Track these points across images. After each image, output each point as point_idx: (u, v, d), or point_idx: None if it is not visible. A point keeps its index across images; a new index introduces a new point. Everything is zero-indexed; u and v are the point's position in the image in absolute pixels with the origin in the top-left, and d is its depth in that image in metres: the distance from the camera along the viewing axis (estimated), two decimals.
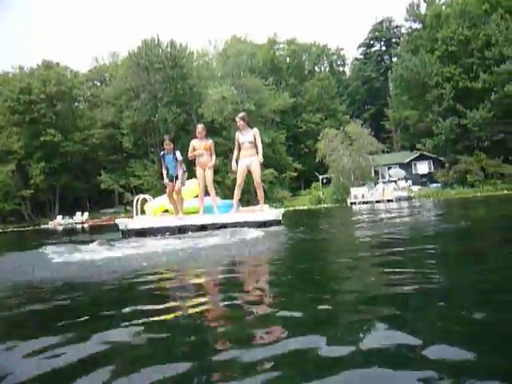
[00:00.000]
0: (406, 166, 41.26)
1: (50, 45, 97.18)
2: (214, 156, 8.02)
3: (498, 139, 35.03)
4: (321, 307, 2.05)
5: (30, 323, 2.29)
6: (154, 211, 8.90)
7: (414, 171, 41.38)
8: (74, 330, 1.96)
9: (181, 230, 7.38)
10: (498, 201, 16.21)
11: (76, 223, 38.67)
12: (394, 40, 62.12)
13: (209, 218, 7.64)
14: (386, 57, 64.17)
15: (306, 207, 34.87)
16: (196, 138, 8.04)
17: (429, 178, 39.46)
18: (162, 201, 8.81)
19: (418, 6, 43.84)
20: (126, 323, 1.97)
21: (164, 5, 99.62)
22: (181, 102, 47.22)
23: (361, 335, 1.56)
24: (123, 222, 8.05)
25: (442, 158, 38.90)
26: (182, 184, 7.82)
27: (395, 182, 35.86)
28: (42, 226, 38.79)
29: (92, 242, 5.95)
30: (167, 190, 7.85)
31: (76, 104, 55.63)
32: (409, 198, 29.80)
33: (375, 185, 35.19)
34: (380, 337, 1.51)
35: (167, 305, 2.40)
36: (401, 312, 1.87)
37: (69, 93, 50.91)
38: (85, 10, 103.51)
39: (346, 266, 3.29)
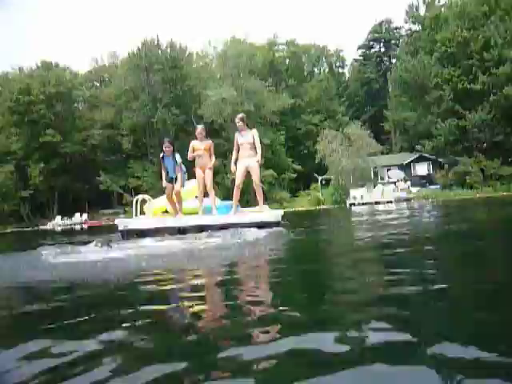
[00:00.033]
0: (405, 168, 41.26)
1: (50, 45, 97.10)
2: (213, 157, 8.03)
3: (497, 141, 35.06)
4: (321, 307, 2.05)
5: (26, 324, 2.28)
6: (153, 212, 8.90)
7: (413, 172, 41.38)
8: (71, 330, 1.96)
9: (180, 231, 7.38)
10: (497, 202, 16.22)
11: (75, 224, 38.63)
12: (393, 41, 62.19)
13: (208, 219, 7.63)
14: (385, 58, 64.22)
15: (305, 208, 34.87)
16: (196, 138, 8.05)
17: (428, 180, 39.47)
18: (162, 201, 8.80)
19: (418, 7, 43.98)
20: (125, 323, 1.97)
21: (163, 6, 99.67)
22: (180, 103, 47.23)
23: (361, 335, 1.56)
24: (123, 223, 8.04)
25: (441, 160, 38.92)
26: (182, 185, 7.84)
27: (394, 183, 35.87)
28: (41, 227, 38.74)
29: (90, 242, 5.93)
30: (166, 192, 7.88)
31: (75, 105, 55.56)
32: (408, 200, 29.82)
33: (374, 186, 35.21)
34: (380, 336, 1.52)
35: (167, 306, 2.40)
36: (401, 312, 1.88)
37: (68, 93, 50.89)
38: (84, 11, 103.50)
39: (346, 267, 3.29)
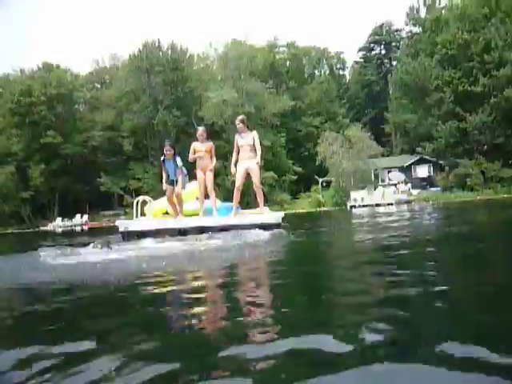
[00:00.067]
0: (406, 170, 41.25)
1: (50, 46, 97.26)
2: (214, 159, 8.05)
3: (497, 143, 35.05)
4: (321, 308, 2.05)
5: (26, 324, 2.28)
6: (154, 213, 8.91)
7: (413, 175, 41.35)
8: (71, 331, 1.96)
9: (181, 232, 7.39)
10: (498, 204, 16.21)
11: (76, 225, 38.63)
12: (394, 44, 62.26)
13: (209, 221, 7.64)
14: (385, 60, 64.29)
15: (305, 210, 34.87)
16: (197, 140, 8.06)
17: (428, 182, 39.45)
18: (163, 203, 8.82)
19: (418, 10, 44.00)
20: (125, 324, 1.97)
21: (164, 8, 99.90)
22: (181, 104, 47.28)
23: (361, 335, 1.56)
24: (123, 224, 8.05)
25: (441, 162, 38.91)
26: (182, 187, 7.87)
27: (395, 185, 35.86)
28: (42, 228, 38.75)
29: (90, 243, 5.92)
30: (167, 194, 7.91)
31: (76, 106, 55.62)
32: (409, 202, 29.81)
33: (375, 188, 35.21)
34: (381, 337, 1.52)
35: (167, 307, 2.40)
36: (401, 313, 1.87)
37: (69, 95, 50.97)
38: (85, 13, 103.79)
39: (346, 269, 3.29)
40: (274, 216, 7.90)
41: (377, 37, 63.70)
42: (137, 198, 9.39)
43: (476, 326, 1.63)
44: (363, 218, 12.07)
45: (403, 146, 49.96)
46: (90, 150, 50.58)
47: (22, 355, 1.60)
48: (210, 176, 7.89)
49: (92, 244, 5.68)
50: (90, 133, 50.38)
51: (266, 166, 37.71)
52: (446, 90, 35.99)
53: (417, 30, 45.08)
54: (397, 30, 61.91)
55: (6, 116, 48.47)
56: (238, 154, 7.74)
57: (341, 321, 1.85)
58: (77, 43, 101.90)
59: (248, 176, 7.72)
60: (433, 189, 37.13)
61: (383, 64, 64.19)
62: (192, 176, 8.46)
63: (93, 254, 4.94)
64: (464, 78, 35.90)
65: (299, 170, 47.79)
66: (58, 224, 40.17)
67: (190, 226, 7.50)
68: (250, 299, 2.39)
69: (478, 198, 28.88)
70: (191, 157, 8.00)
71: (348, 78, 69.45)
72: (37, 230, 37.17)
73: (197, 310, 2.20)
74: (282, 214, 8.17)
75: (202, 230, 7.24)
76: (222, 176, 38.09)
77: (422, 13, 43.63)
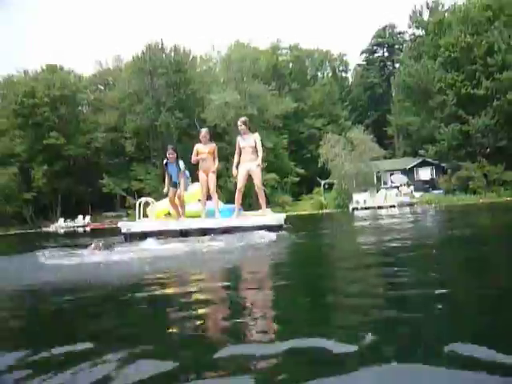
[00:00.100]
0: (408, 172, 41.19)
1: (51, 47, 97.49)
2: (216, 160, 8.07)
3: (500, 146, 34.99)
4: (322, 309, 2.05)
5: (26, 325, 2.29)
6: (156, 214, 8.93)
7: (416, 177, 41.29)
8: (70, 331, 1.96)
9: (183, 234, 7.40)
10: (501, 208, 16.17)
11: (78, 226, 38.70)
12: (396, 46, 62.22)
13: (211, 222, 7.65)
14: (388, 63, 64.28)
15: (307, 212, 34.85)
16: (200, 142, 8.08)
17: (431, 185, 39.38)
18: (165, 204, 8.84)
19: (421, 12, 44.05)
20: (125, 324, 1.97)
21: (168, 10, 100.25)
22: (184, 106, 47.34)
23: (362, 336, 1.56)
24: (126, 225, 8.07)
25: (444, 165, 38.85)
26: (185, 189, 7.91)
27: (397, 187, 35.81)
28: (44, 229, 38.83)
29: (90, 245, 5.91)
30: (169, 196, 7.94)
31: (79, 108, 55.78)
32: (411, 204, 29.75)
33: (377, 191, 35.15)
34: (381, 337, 1.52)
35: (167, 307, 2.40)
36: (402, 314, 1.87)
37: (72, 96, 51.10)
38: (89, 15, 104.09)
39: (348, 270, 3.28)
40: (276, 218, 7.90)
41: (380, 39, 63.73)
42: (139, 200, 9.42)
43: (477, 328, 1.63)
44: (365, 221, 12.05)
45: (406, 148, 49.91)
46: (92, 152, 50.71)
47: (23, 355, 1.61)
48: (212, 178, 7.90)
49: (93, 245, 5.63)
50: (93, 134, 50.51)
51: (268, 167, 37.72)
52: (449, 93, 35.95)
53: (420, 32, 45.10)
54: (400, 33, 61.93)
55: (10, 117, 48.63)
56: (240, 155, 7.76)
57: (342, 321, 1.86)
58: (77, 44, 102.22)
59: (250, 178, 7.73)
60: (435, 191, 37.05)
61: (386, 66, 64.17)
62: (195, 178, 8.47)
63: (95, 256, 4.94)
64: (467, 80, 35.86)
65: (301, 171, 47.76)
66: (61, 225, 40.26)
67: (193, 228, 7.52)
68: (251, 300, 2.39)
69: (481, 201, 28.80)
70: (194, 158, 8.02)
71: (351, 80, 69.46)
72: (39, 230, 37.25)
73: (198, 310, 2.20)
74: (284, 215, 8.18)
75: (204, 232, 7.25)
76: (224, 178, 38.09)
77: (425, 15, 43.71)
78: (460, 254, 3.97)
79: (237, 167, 7.78)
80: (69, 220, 42.22)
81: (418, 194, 35.16)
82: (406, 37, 56.64)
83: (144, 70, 47.34)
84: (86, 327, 2.04)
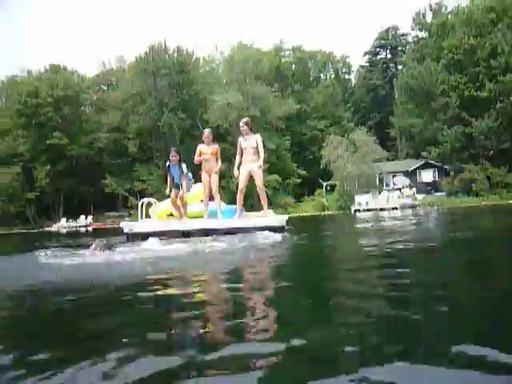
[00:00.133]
0: (411, 174, 41.14)
1: (52, 47, 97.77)
2: (219, 161, 8.08)
3: (503, 148, 34.92)
4: (322, 310, 2.05)
5: (26, 325, 2.29)
6: (159, 215, 8.94)
7: (418, 179, 41.23)
8: (71, 331, 1.96)
9: (185, 234, 7.40)
10: (504, 210, 16.12)
11: (80, 226, 38.78)
12: (399, 48, 62.21)
13: (213, 223, 7.65)
14: (391, 65, 64.25)
15: (309, 214, 34.83)
16: (203, 142, 8.09)
17: (433, 187, 39.30)
18: (167, 205, 8.85)
19: (425, 14, 44.04)
20: (125, 324, 1.97)
21: (171, 11, 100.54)
22: (186, 107, 47.43)
23: (362, 336, 1.56)
24: (128, 226, 8.08)
25: (446, 167, 38.79)
26: (187, 191, 7.94)
27: (400, 189, 35.75)
28: (47, 229, 38.92)
29: (91, 245, 5.90)
30: (171, 197, 7.97)
31: (82, 108, 55.96)
32: (413, 207, 29.69)
33: (380, 192, 35.11)
34: (381, 338, 1.52)
35: (168, 307, 2.41)
36: (403, 314, 1.87)
37: (76, 97, 51.27)
38: (92, 15, 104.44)
39: (349, 272, 3.28)
40: (278, 219, 7.90)
41: (383, 41, 63.72)
42: (141, 200, 9.44)
43: (479, 329, 1.63)
44: (367, 223, 12.03)
45: (408, 150, 49.85)
46: (95, 152, 50.82)
47: (23, 355, 1.61)
48: (215, 178, 7.91)
49: (93, 245, 5.59)
50: (96, 134, 50.64)
51: (270, 168, 37.73)
52: (452, 95, 35.91)
53: (423, 34, 45.10)
54: (403, 35, 61.92)
55: (13, 117, 48.84)
56: (242, 156, 7.76)
57: (343, 321, 1.86)
58: (80, 44, 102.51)
59: (251, 178, 7.73)
60: (438, 194, 36.99)
61: (389, 68, 64.15)
62: (197, 178, 8.49)
63: (96, 256, 4.94)
64: (470, 82, 35.82)
65: (303, 173, 47.77)
66: (63, 225, 40.34)
67: (195, 229, 7.53)
68: (252, 300, 2.39)
69: (484, 203, 28.72)
70: (197, 159, 8.03)
71: (353, 81, 69.47)
72: (41, 230, 37.34)
73: (199, 310, 2.20)
74: (286, 217, 8.18)
75: (206, 233, 7.26)
76: (226, 178, 38.10)
77: (429, 17, 43.71)
78: (462, 256, 3.96)
79: (238, 168, 7.78)
80: (71, 220, 42.31)
81: (420, 196, 35.11)
82: (409, 39, 56.69)
83: (147, 70, 47.47)
84: (86, 327, 2.04)
